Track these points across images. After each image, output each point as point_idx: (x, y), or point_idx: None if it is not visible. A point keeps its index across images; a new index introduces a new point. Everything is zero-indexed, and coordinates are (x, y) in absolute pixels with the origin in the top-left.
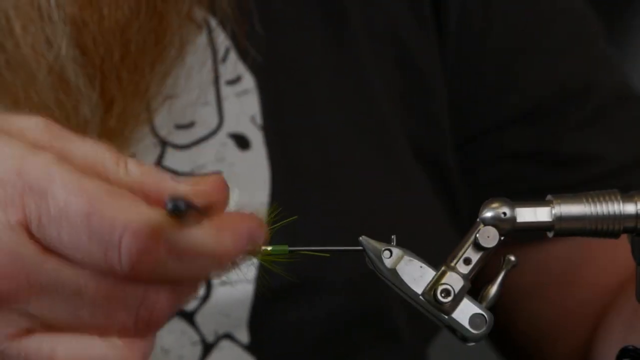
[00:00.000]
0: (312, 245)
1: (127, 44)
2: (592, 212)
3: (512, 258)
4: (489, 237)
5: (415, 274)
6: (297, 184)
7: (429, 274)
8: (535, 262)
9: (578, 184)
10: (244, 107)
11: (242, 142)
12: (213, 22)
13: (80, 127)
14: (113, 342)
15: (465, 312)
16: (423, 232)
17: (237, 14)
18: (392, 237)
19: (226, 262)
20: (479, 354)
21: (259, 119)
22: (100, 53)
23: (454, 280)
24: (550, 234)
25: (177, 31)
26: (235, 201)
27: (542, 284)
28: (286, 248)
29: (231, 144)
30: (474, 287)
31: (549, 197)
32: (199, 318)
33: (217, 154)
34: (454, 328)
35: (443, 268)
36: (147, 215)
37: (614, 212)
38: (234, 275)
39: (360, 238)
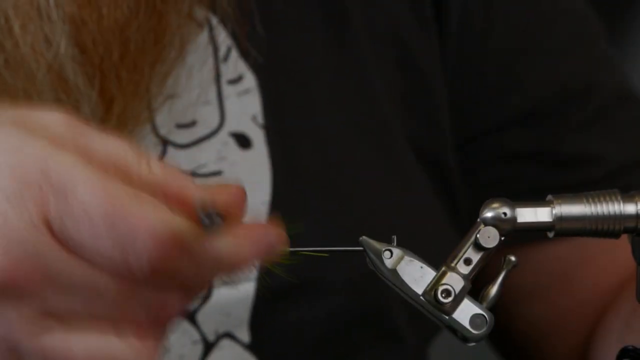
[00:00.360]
0: (312, 244)
1: (127, 43)
2: (592, 212)
3: (513, 258)
4: (489, 237)
5: (416, 275)
6: (298, 183)
7: (430, 274)
8: (535, 262)
9: (578, 184)
10: (245, 106)
11: (243, 141)
12: (214, 20)
13: None
14: (128, 340)
15: (466, 312)
16: (423, 232)
17: (238, 14)
18: (393, 237)
19: (241, 268)
20: (479, 354)
21: (260, 118)
22: (99, 52)
23: (454, 281)
24: (550, 234)
25: (177, 31)
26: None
27: (542, 284)
28: (287, 249)
29: (232, 143)
30: (474, 288)
31: (549, 197)
32: (199, 317)
33: (218, 153)
34: (455, 328)
35: (443, 268)
36: (170, 221)
37: (615, 212)
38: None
39: (361, 238)
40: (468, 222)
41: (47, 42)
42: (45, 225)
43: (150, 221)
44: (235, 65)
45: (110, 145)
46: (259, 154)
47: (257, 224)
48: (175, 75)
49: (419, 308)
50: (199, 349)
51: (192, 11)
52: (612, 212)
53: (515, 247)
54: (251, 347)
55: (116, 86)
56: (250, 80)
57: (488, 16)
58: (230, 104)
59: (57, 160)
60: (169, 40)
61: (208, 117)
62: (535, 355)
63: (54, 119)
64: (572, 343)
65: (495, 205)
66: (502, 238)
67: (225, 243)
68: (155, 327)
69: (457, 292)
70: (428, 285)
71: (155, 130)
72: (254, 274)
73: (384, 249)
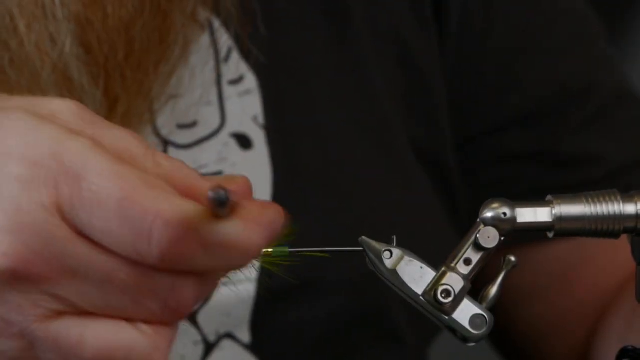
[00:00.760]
0: (313, 243)
1: (131, 42)
2: (592, 213)
3: (513, 258)
4: (489, 237)
5: (416, 275)
6: (299, 183)
7: (429, 274)
8: (534, 263)
9: (578, 184)
10: (246, 107)
11: (244, 141)
12: (216, 23)
13: None
14: (141, 328)
15: (466, 312)
16: (423, 231)
17: (241, 13)
18: (393, 237)
19: (252, 254)
20: (478, 355)
21: (261, 119)
22: (104, 51)
23: (454, 281)
24: (550, 234)
25: (181, 30)
26: None
27: (542, 284)
28: (286, 249)
29: (233, 144)
30: (474, 288)
31: (549, 197)
32: (200, 318)
33: (219, 154)
34: (454, 328)
35: (443, 269)
36: (180, 205)
37: (614, 212)
38: (236, 276)
39: (361, 239)
40: (467, 221)
41: (52, 41)
42: (57, 210)
43: (162, 205)
44: (237, 65)
45: (118, 135)
46: (260, 154)
47: (258, 204)
48: (178, 76)
49: (418, 308)
50: (199, 349)
51: (196, 11)
52: (611, 212)
53: (514, 247)
54: (252, 348)
55: (120, 85)
56: (251, 81)
57: (488, 16)
58: (231, 105)
59: (69, 145)
60: (174, 39)
61: (209, 118)
62: (535, 355)
63: (64, 106)
64: (571, 343)
65: (495, 205)
66: (502, 238)
67: (236, 227)
68: (170, 315)
69: (456, 292)
70: (428, 285)
71: (156, 130)
72: (254, 274)
73: (383, 249)
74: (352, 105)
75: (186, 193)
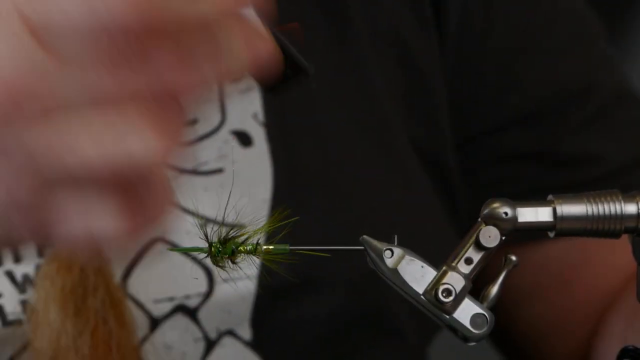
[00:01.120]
0: (313, 242)
1: None
2: (593, 212)
3: (513, 258)
4: (490, 237)
5: (417, 274)
6: (299, 181)
7: (430, 273)
8: (535, 262)
9: (579, 184)
10: (246, 104)
11: (244, 138)
12: None
13: None
14: (141, 131)
15: (467, 311)
16: (423, 231)
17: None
18: (394, 236)
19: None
20: (479, 354)
21: (261, 116)
22: None
23: (455, 280)
24: (551, 234)
25: None
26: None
27: (542, 284)
28: (287, 247)
29: (233, 141)
30: (475, 287)
31: (550, 197)
32: (201, 315)
33: (219, 151)
34: (455, 328)
35: (444, 268)
36: None
37: (615, 212)
38: (236, 273)
39: (362, 237)
40: (468, 221)
41: None
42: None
43: None
44: None
45: None
46: (260, 151)
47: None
48: None
49: (419, 307)
50: (200, 346)
51: None
52: (612, 212)
53: (515, 246)
54: (253, 345)
55: None
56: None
57: (488, 16)
58: (231, 102)
59: None
60: None
61: (209, 115)
62: (535, 355)
63: None
64: (572, 344)
65: (496, 204)
66: (503, 237)
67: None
68: (168, 111)
69: (457, 291)
70: (429, 284)
71: None
72: (254, 271)
73: (384, 248)
74: (352, 106)
75: None
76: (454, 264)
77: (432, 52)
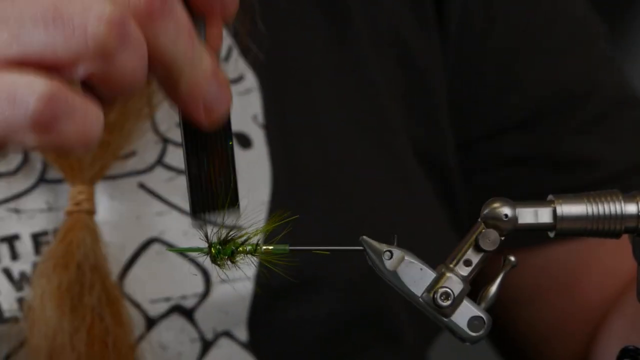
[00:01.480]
0: (312, 242)
1: None
2: (593, 212)
3: (512, 259)
4: (489, 240)
5: (416, 276)
6: (298, 182)
7: (429, 276)
8: (536, 265)
9: (578, 186)
10: (246, 106)
11: (243, 141)
12: None
13: None
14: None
15: (465, 314)
16: (423, 231)
17: (240, 12)
18: (394, 236)
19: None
20: (478, 354)
21: (260, 118)
22: None
23: (453, 283)
24: (551, 234)
25: None
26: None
27: (543, 287)
28: (287, 248)
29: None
30: (472, 286)
31: (550, 197)
32: (198, 315)
33: None
34: (453, 329)
35: (443, 270)
36: None
37: (616, 212)
38: (235, 273)
39: (361, 238)
40: (467, 222)
41: None
42: None
43: None
44: (236, 65)
45: None
46: (259, 153)
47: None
48: None
49: (419, 307)
50: (197, 347)
51: None
52: (613, 212)
53: (514, 250)
54: (249, 346)
55: None
56: (251, 80)
57: (488, 16)
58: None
59: None
60: None
61: None
62: (534, 357)
63: None
64: (571, 346)
65: (496, 205)
66: (503, 238)
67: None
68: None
69: (456, 294)
70: (427, 287)
71: (155, 127)
72: (252, 272)
73: (384, 250)
74: (353, 106)
75: None
76: (452, 266)
77: (432, 52)
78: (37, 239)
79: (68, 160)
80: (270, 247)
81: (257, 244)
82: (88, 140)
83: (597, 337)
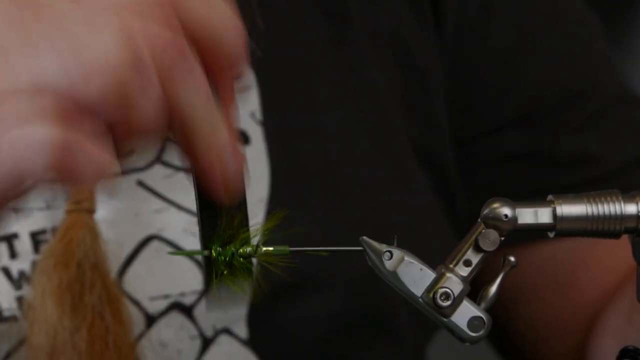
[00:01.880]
0: (312, 242)
1: None
2: (593, 212)
3: (512, 259)
4: (489, 240)
5: (415, 277)
6: (297, 180)
7: (429, 276)
8: (533, 264)
9: (578, 185)
10: (244, 102)
11: (241, 137)
12: None
13: None
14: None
15: (464, 314)
16: (422, 231)
17: (239, 10)
18: (394, 237)
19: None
20: (478, 354)
21: (258, 115)
22: None
23: (453, 284)
24: (551, 234)
25: None
26: None
27: (540, 286)
28: (287, 249)
29: None
30: (472, 286)
31: (550, 197)
32: (197, 312)
33: None
34: (452, 329)
35: (443, 270)
36: None
37: (615, 212)
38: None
39: (361, 238)
40: (467, 221)
41: None
42: None
43: None
44: None
45: None
46: (257, 150)
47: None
48: None
49: (418, 307)
50: (197, 344)
51: None
52: (612, 212)
53: (514, 247)
54: (249, 343)
55: None
56: (249, 77)
57: (487, 16)
58: None
59: None
60: None
61: None
62: (532, 356)
63: None
64: (569, 344)
65: (496, 205)
66: (502, 238)
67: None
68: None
69: (455, 295)
70: (427, 287)
71: None
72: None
73: (384, 250)
74: (352, 105)
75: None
76: (452, 266)
77: (432, 52)
78: (36, 238)
79: None
80: (271, 249)
81: (257, 246)
82: (100, 178)
83: (592, 332)
